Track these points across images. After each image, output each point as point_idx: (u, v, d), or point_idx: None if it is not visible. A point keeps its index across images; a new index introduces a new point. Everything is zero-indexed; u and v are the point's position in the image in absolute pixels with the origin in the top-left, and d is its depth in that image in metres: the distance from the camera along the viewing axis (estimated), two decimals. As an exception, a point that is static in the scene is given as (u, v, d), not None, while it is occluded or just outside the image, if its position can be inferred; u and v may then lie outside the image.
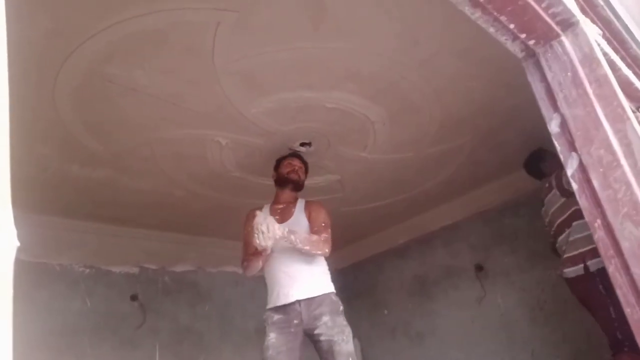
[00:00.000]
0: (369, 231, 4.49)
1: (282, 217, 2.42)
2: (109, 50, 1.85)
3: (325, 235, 2.35)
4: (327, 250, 2.33)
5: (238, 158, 2.74)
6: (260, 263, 2.30)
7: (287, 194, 2.53)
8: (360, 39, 2.00)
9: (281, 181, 2.54)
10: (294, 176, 2.52)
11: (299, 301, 2.26)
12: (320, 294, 2.29)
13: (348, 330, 2.25)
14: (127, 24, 1.75)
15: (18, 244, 0.30)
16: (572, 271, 2.58)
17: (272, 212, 2.45)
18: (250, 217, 2.40)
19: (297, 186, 2.54)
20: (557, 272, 2.74)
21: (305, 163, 2.64)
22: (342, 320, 2.26)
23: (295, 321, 2.24)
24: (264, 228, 2.07)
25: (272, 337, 2.23)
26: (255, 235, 2.08)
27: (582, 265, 2.51)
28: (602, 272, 2.03)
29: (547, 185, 2.84)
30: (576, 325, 3.35)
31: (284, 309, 2.28)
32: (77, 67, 1.90)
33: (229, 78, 2.10)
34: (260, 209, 2.45)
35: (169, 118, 2.32)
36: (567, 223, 2.67)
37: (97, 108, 2.18)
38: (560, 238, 2.71)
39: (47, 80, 1.94)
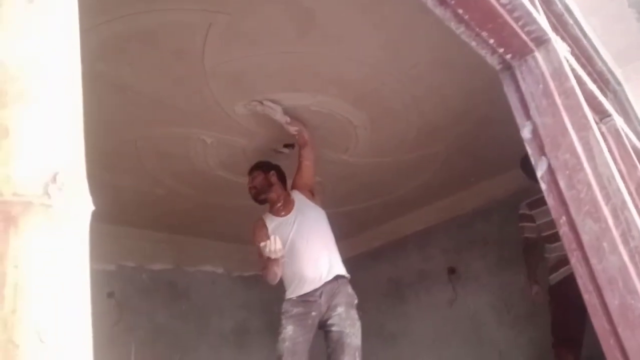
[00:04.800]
0: (345, 234, 4.55)
1: (287, 209, 2.51)
2: (98, 47, 1.86)
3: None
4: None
5: (222, 157, 2.78)
6: (277, 269, 2.29)
7: (272, 198, 2.57)
8: (346, 46, 2.09)
9: (259, 202, 2.60)
10: (253, 192, 2.57)
11: (323, 286, 2.31)
12: (343, 274, 2.39)
13: (359, 325, 2.32)
14: (119, 22, 1.78)
15: (93, 207, 0.36)
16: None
17: (276, 214, 2.54)
18: (258, 226, 2.51)
19: (266, 191, 2.56)
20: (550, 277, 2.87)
21: (258, 167, 2.63)
22: (354, 314, 2.33)
23: (314, 313, 2.30)
24: (272, 247, 2.11)
25: (289, 329, 2.27)
26: (268, 251, 2.13)
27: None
28: None
29: None
30: (541, 329, 3.49)
31: (304, 301, 2.32)
32: (66, 63, 1.91)
33: (218, 79, 2.15)
34: (261, 218, 2.56)
35: (155, 116, 2.35)
36: None
37: (83, 104, 2.19)
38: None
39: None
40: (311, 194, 2.60)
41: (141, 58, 1.98)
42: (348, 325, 2.26)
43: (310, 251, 2.38)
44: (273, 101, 2.40)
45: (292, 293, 2.38)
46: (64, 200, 0.33)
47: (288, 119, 2.47)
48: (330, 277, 2.34)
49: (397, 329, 4.31)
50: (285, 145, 2.75)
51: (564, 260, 2.79)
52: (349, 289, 2.40)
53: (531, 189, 3.11)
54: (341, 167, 3.15)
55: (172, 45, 1.93)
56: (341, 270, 2.42)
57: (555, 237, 2.86)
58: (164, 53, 1.96)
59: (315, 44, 2.04)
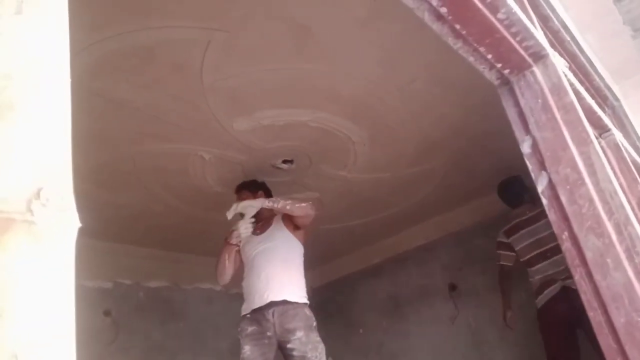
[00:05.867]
0: (345, 250, 4.53)
1: (262, 229, 2.56)
2: (96, 64, 1.87)
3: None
4: (309, 209, 2.48)
5: (220, 173, 2.77)
6: (227, 258, 2.44)
7: (258, 217, 2.60)
8: (343, 62, 2.09)
9: None
10: None
11: (274, 307, 2.28)
12: (295, 301, 2.34)
13: (321, 347, 2.28)
14: (118, 39, 1.79)
15: (80, 224, 0.34)
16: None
17: (252, 231, 2.57)
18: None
19: (257, 215, 2.57)
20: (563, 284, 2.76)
21: (245, 187, 2.65)
22: (315, 337, 2.30)
23: (269, 333, 2.27)
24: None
25: (247, 349, 2.27)
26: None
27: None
28: None
29: (537, 211, 2.88)
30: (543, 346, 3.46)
31: (257, 320, 2.31)
32: (64, 79, 1.91)
33: (216, 95, 2.15)
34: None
35: (153, 132, 2.34)
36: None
37: (80, 121, 2.18)
38: (559, 257, 2.73)
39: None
40: (295, 227, 2.58)
41: (139, 74, 1.98)
42: (310, 349, 2.23)
43: (265, 268, 2.39)
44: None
45: (246, 309, 2.39)
46: (48, 217, 0.32)
47: (267, 203, 2.49)
48: (277, 299, 2.31)
49: (398, 347, 4.24)
50: (284, 161, 2.74)
51: (548, 282, 2.81)
52: (307, 311, 2.36)
53: (507, 215, 3.22)
54: (340, 183, 3.14)
55: (170, 62, 1.94)
56: (293, 297, 2.36)
57: (536, 260, 2.91)
58: (162, 69, 1.97)
59: (313, 60, 2.05)
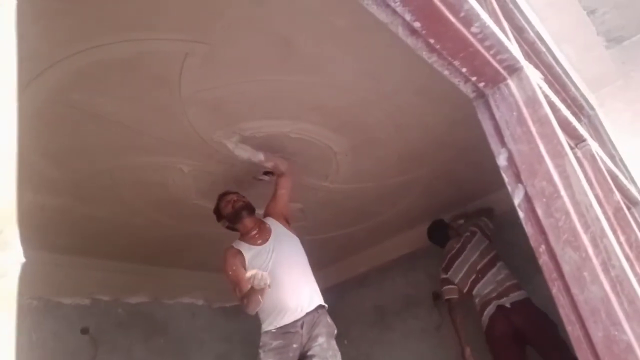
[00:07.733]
0: (330, 260, 4.51)
1: (263, 238, 2.44)
2: (74, 76, 1.83)
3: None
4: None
5: (200, 185, 2.73)
6: (261, 298, 2.17)
7: (249, 222, 2.49)
8: (326, 74, 2.09)
9: (234, 218, 2.48)
10: (239, 204, 2.47)
11: (304, 317, 2.26)
12: (321, 304, 2.36)
13: (339, 356, 2.29)
14: (95, 51, 1.75)
15: (24, 259, 0.32)
16: (520, 294, 2.91)
17: (251, 242, 2.45)
18: (231, 254, 2.40)
19: (250, 209, 2.50)
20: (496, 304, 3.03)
21: (235, 193, 2.59)
22: (334, 344, 2.31)
23: (295, 345, 2.24)
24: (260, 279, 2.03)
25: None
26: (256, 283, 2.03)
27: (524, 290, 2.89)
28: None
29: (462, 241, 3.36)
30: (529, 353, 3.48)
31: (284, 334, 2.25)
32: (39, 93, 1.86)
33: (195, 107, 2.12)
34: (233, 246, 2.47)
35: (132, 145, 2.30)
36: (491, 263, 3.13)
37: (57, 134, 2.14)
38: (488, 275, 3.13)
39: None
40: (286, 222, 2.57)
41: (117, 87, 1.95)
42: (330, 355, 2.23)
43: (291, 280, 2.31)
44: (243, 141, 2.41)
45: (270, 325, 2.28)
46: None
47: (262, 157, 2.47)
48: (311, 308, 2.30)
49: (384, 357, 4.22)
50: (265, 173, 2.71)
51: (485, 303, 3.08)
52: (328, 319, 2.38)
53: (440, 253, 3.51)
54: (322, 193, 3.13)
55: (149, 74, 1.91)
56: (321, 300, 2.39)
57: (473, 285, 3.18)
58: (140, 82, 1.94)
59: (295, 71, 2.04)
